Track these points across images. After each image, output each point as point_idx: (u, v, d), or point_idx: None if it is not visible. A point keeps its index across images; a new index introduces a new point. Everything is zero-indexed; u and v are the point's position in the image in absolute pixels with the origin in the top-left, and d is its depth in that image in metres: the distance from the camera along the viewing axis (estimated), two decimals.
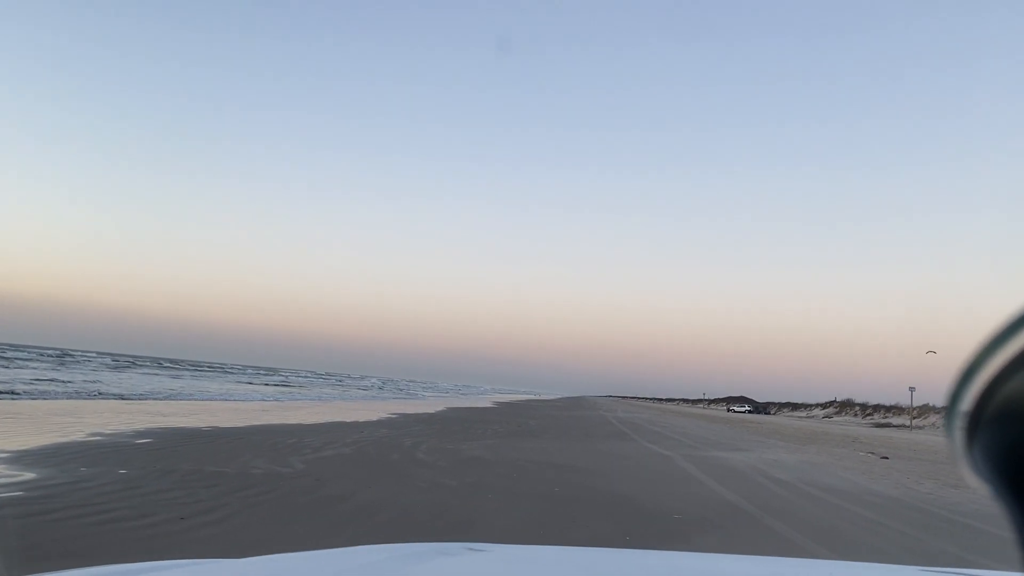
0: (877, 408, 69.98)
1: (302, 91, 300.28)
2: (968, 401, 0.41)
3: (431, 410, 28.42)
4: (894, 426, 52.48)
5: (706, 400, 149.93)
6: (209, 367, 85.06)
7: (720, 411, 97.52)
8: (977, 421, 0.41)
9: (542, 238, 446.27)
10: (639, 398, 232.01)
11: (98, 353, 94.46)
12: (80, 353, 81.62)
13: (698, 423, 34.77)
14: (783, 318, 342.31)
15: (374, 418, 19.79)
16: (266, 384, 47.82)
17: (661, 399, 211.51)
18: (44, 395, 19.35)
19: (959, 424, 0.42)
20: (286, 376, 77.92)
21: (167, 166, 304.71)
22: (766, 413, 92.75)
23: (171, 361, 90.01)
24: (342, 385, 63.75)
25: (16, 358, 43.46)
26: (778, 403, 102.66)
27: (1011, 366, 0.38)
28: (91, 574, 1.08)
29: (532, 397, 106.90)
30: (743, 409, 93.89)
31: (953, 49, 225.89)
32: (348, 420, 18.06)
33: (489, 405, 42.16)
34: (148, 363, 69.45)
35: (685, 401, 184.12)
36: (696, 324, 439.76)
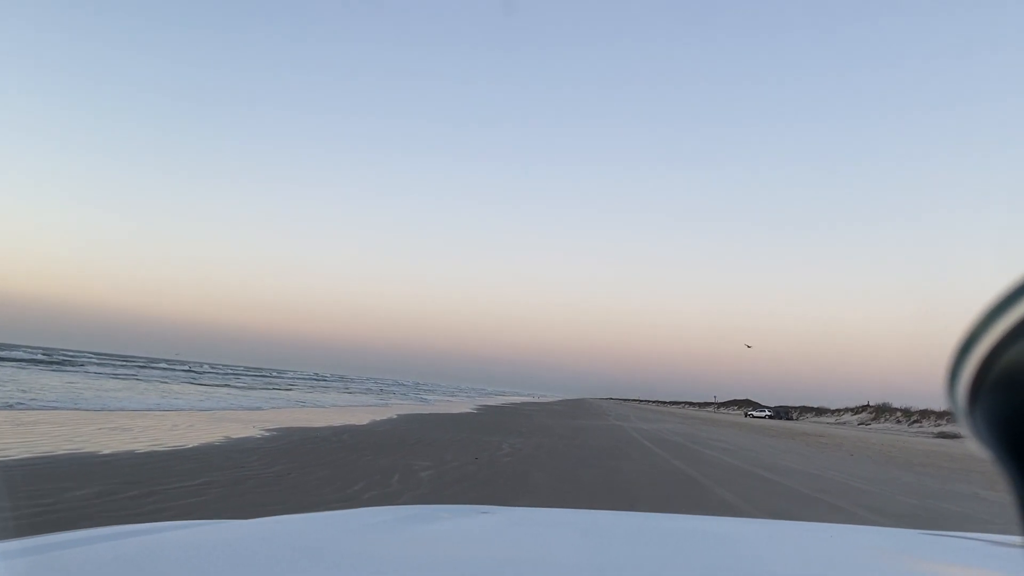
0: (925, 414, 60.11)
1: (299, 88, 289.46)
2: (969, 369, 0.41)
3: (363, 421, 18.56)
4: (964, 436, 42.59)
5: (716, 403, 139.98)
6: (209, 369, 73.58)
7: (735, 416, 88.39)
8: (978, 389, 0.41)
9: (545, 237, 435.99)
10: (641, 401, 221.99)
11: (88, 353, 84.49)
12: (71, 353, 71.71)
13: (756, 438, 24.67)
14: (783, 320, 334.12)
15: (202, 442, 10.00)
16: (214, 384, 37.91)
17: (665, 402, 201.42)
18: None
19: (961, 392, 0.43)
20: (279, 378, 66.59)
21: (163, 163, 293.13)
22: (788, 419, 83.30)
23: (168, 362, 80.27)
24: (329, 388, 53.06)
25: None
26: (797, 407, 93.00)
27: (1011, 335, 0.38)
28: (95, 535, 1.09)
29: (528, 399, 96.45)
30: (763, 414, 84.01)
31: (959, 45, 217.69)
32: (107, 451, 8.25)
33: (468, 410, 32.35)
34: (119, 363, 57.99)
35: (690, 404, 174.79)
36: (694, 326, 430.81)
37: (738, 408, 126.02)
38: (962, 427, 0.45)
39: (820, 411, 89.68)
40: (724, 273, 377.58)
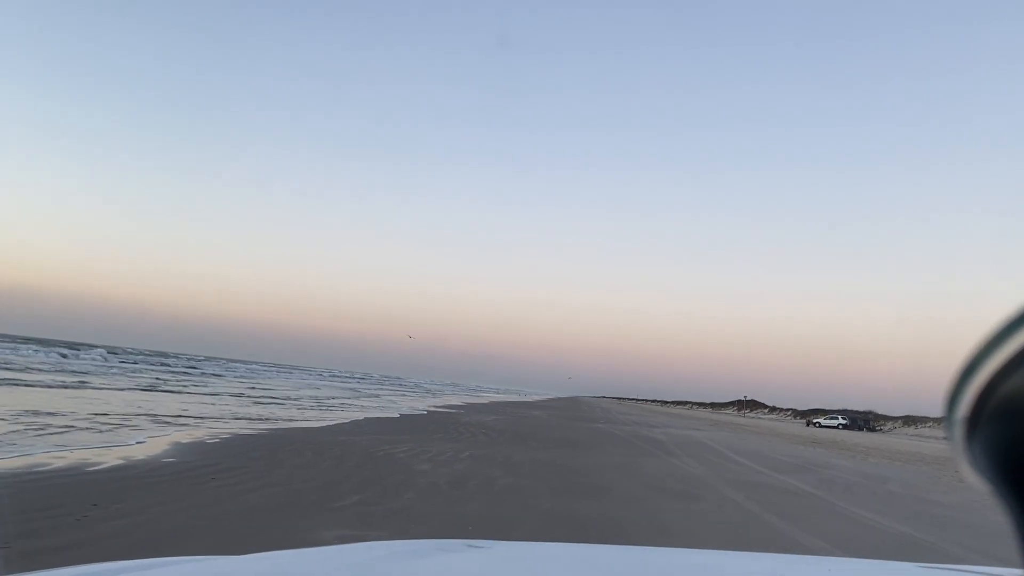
0: None
1: (303, 92, 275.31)
2: (968, 399, 0.40)
3: None
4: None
5: (740, 404, 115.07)
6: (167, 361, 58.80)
7: (771, 422, 65.48)
8: (977, 419, 0.40)
9: (540, 235, 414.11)
10: (640, 400, 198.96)
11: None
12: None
13: None
14: (782, 318, 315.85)
15: None
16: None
17: (666, 402, 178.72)
18: None
19: (958, 422, 0.42)
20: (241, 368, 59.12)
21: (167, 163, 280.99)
22: (870, 430, 59.83)
23: (127, 351, 71.36)
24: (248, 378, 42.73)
25: None
26: (871, 413, 69.37)
27: (1010, 364, 0.37)
28: (89, 571, 1.07)
29: (517, 399, 73.19)
30: (835, 423, 60.28)
31: (956, 53, 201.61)
32: None
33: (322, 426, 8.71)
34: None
35: (697, 405, 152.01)
36: (694, 323, 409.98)
37: (769, 412, 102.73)
38: (959, 457, 0.43)
39: (908, 420, 65.89)
40: (712, 271, 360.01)
